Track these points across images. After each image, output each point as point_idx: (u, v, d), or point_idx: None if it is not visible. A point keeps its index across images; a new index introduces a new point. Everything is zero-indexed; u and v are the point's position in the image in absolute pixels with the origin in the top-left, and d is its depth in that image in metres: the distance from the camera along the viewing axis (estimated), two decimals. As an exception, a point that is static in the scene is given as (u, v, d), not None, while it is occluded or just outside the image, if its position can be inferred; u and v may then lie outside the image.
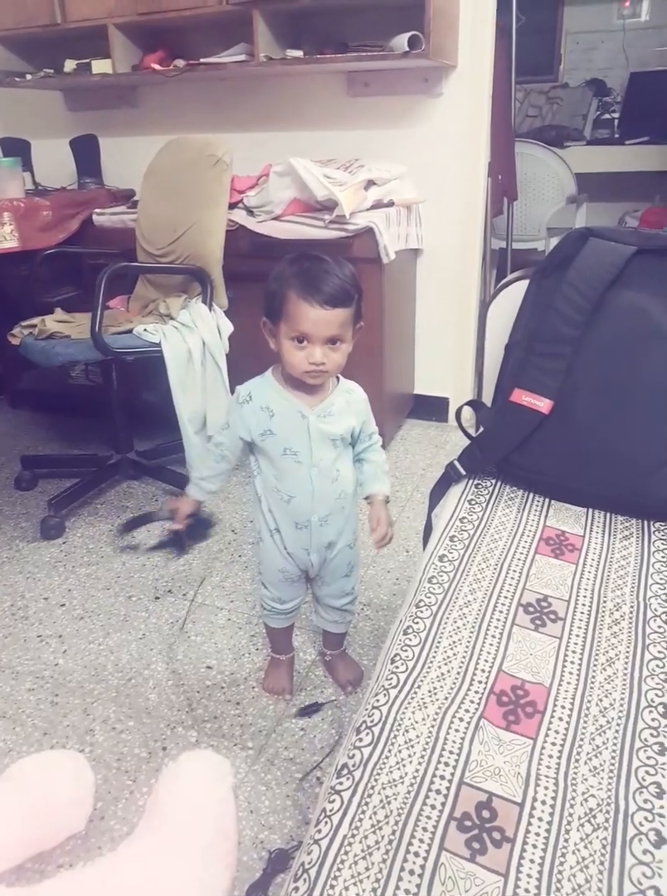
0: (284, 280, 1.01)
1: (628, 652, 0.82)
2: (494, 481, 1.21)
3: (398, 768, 0.67)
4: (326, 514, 1.16)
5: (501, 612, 0.89)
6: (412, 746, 0.70)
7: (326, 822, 0.64)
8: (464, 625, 0.87)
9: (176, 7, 2.15)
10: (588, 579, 0.96)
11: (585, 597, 0.92)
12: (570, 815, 0.63)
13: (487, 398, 1.28)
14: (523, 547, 1.03)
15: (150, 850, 0.95)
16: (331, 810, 0.65)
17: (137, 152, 2.32)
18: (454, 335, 2.52)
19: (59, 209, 2.24)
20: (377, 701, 0.76)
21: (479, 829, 0.62)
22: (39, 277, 2.14)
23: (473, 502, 1.15)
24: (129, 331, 1.85)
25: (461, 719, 0.73)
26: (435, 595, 0.93)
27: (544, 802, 0.64)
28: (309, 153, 2.17)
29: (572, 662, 0.81)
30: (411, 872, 0.59)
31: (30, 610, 1.65)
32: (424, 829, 0.62)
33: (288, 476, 1.13)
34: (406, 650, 0.83)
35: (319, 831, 0.63)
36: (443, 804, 0.64)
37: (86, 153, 2.60)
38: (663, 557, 1.00)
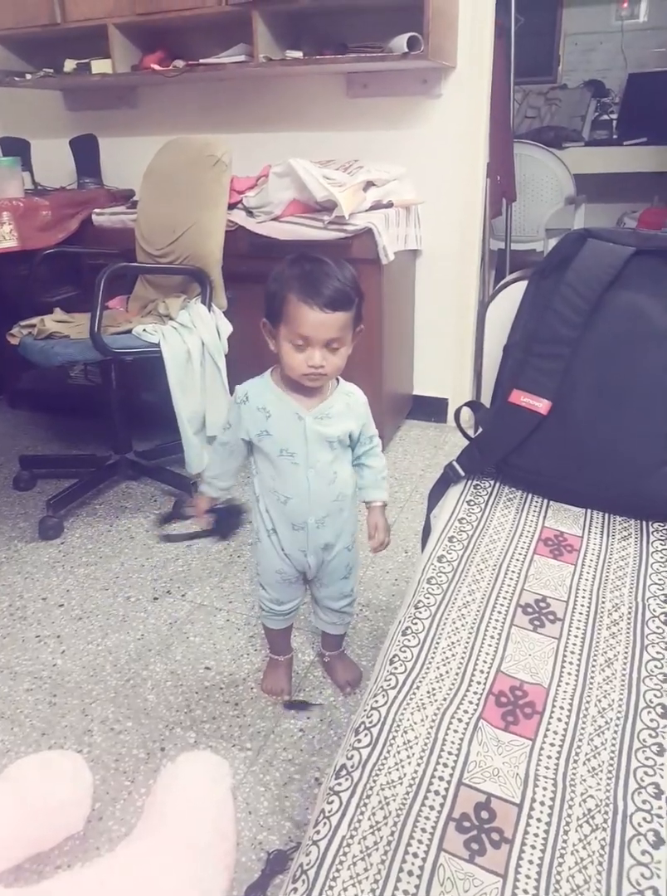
0: (285, 282, 1.00)
1: (626, 652, 0.82)
2: (492, 482, 1.21)
3: (397, 769, 0.67)
4: (323, 516, 1.16)
5: (499, 612, 0.89)
6: (411, 747, 0.70)
7: (324, 823, 0.64)
8: (463, 625, 0.87)
9: (175, 7, 2.15)
10: (587, 580, 0.96)
11: (583, 597, 0.92)
12: (568, 815, 0.63)
13: (486, 399, 1.28)
14: (522, 547, 1.03)
15: (149, 851, 0.95)
16: (329, 811, 0.65)
17: (137, 152, 2.32)
18: (453, 336, 2.52)
19: (58, 209, 2.24)
20: (376, 702, 0.76)
21: (477, 829, 0.62)
22: (39, 277, 2.15)
23: (472, 503, 1.15)
24: (129, 331, 1.85)
25: (460, 720, 0.73)
26: (434, 596, 0.93)
27: (542, 803, 0.64)
28: (308, 154, 2.17)
29: (571, 663, 0.81)
30: (410, 873, 0.59)
31: (28, 610, 1.65)
32: (423, 830, 0.62)
33: (285, 477, 1.12)
34: (405, 651, 0.83)
35: (318, 832, 0.63)
36: (442, 805, 0.64)
37: (85, 153, 2.61)
38: (661, 558, 1.01)
